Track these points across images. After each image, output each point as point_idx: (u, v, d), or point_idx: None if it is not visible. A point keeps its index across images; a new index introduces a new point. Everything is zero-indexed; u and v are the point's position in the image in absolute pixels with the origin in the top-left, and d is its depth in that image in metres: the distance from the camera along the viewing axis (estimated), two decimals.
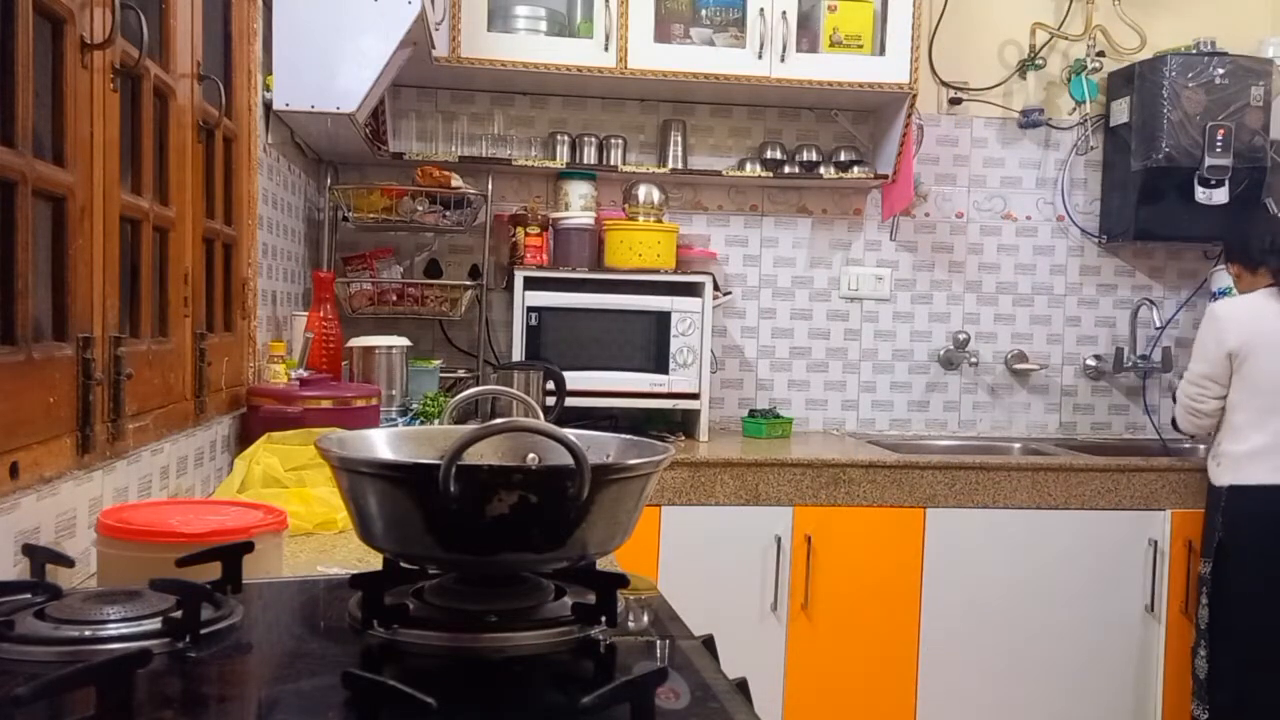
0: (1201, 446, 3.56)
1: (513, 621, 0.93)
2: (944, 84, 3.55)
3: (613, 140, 3.31)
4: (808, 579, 2.87)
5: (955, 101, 3.56)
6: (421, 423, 2.67)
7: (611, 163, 3.30)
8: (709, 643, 1.00)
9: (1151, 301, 3.57)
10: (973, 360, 3.58)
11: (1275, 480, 2.77)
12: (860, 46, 3.16)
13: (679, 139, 3.35)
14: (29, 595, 0.99)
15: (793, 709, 2.88)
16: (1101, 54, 3.51)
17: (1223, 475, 2.84)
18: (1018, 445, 3.46)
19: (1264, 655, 2.76)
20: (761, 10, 3.08)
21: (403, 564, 1.00)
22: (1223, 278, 3.48)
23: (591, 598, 0.96)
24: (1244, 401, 2.83)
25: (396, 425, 2.54)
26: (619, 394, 3.06)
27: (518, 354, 3.02)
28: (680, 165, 3.34)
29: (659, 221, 3.23)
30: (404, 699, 0.75)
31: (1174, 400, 3.10)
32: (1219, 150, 3.22)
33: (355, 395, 2.17)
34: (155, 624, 0.92)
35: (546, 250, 3.18)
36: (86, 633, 0.90)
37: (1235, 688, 2.79)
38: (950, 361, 3.59)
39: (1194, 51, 3.35)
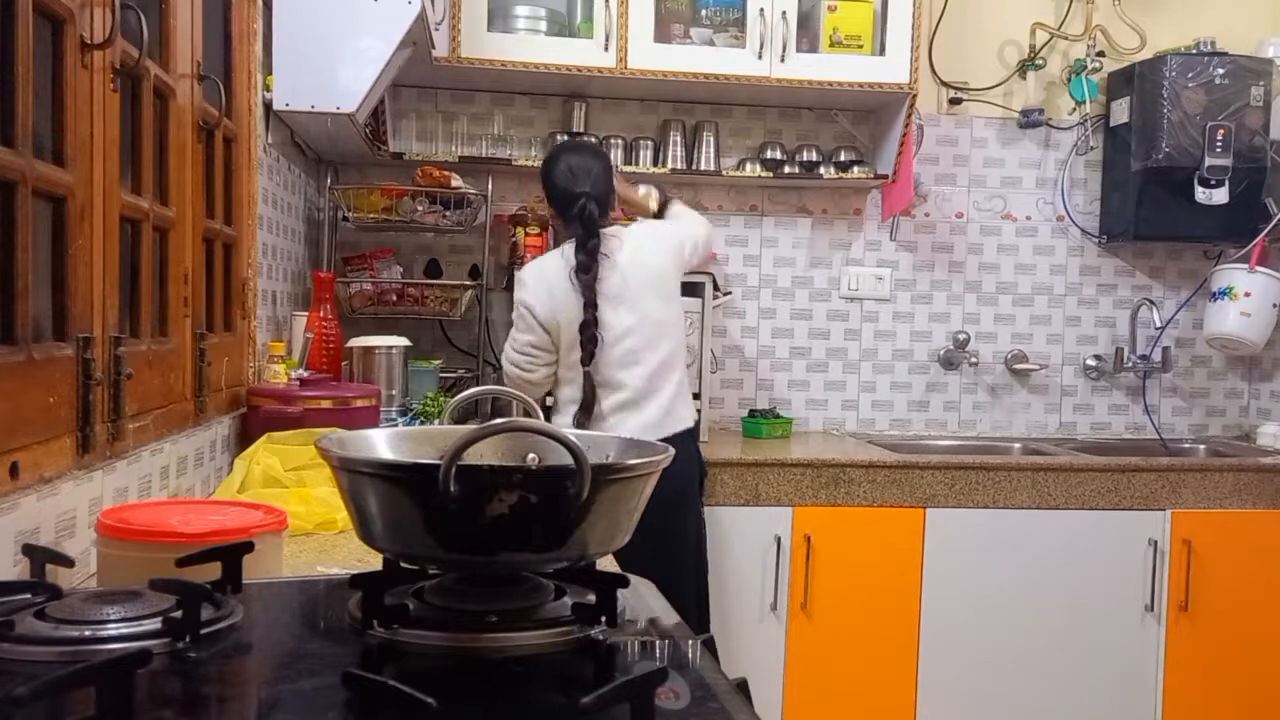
0: (1202, 446, 3.57)
1: (513, 621, 0.93)
2: (944, 84, 3.55)
3: (612, 140, 3.31)
4: (807, 579, 2.87)
5: (955, 101, 3.56)
6: (421, 423, 2.67)
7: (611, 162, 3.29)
8: (709, 643, 1.00)
9: (1151, 301, 3.57)
10: (973, 360, 3.58)
11: None
12: (860, 46, 3.16)
13: (679, 139, 3.34)
14: (29, 595, 0.99)
15: (793, 709, 2.88)
16: (1101, 54, 3.51)
17: None
18: (1018, 445, 3.46)
19: None
20: (761, 10, 3.08)
21: (403, 564, 1.00)
22: (1223, 277, 3.49)
23: (591, 598, 0.96)
24: (563, 375, 2.63)
25: (396, 425, 2.54)
26: None
27: None
28: (680, 165, 3.34)
29: None
30: (404, 699, 0.75)
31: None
32: (1219, 150, 3.22)
33: (355, 395, 2.17)
34: (155, 624, 0.92)
35: (546, 250, 3.17)
36: (86, 633, 0.90)
37: None
38: (950, 361, 3.59)
39: (1194, 51, 3.35)
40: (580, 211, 2.52)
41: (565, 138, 3.30)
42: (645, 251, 2.59)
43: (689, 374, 2.78)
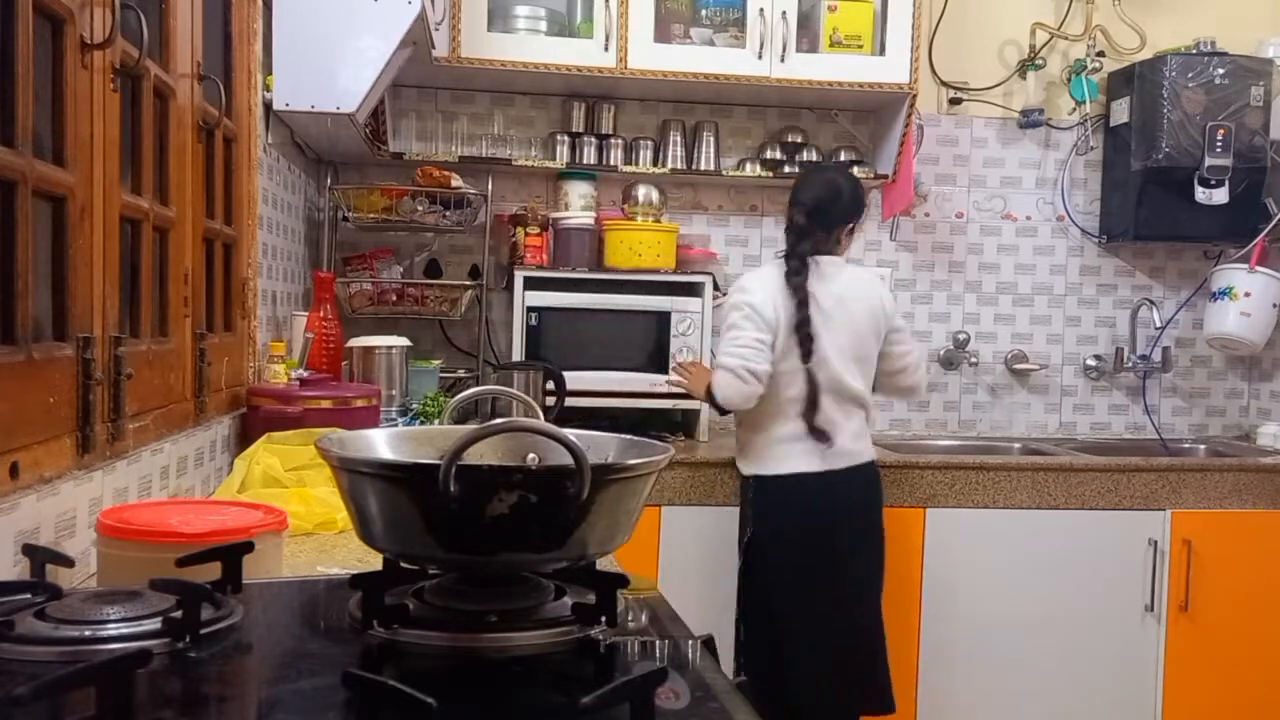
0: (1202, 446, 3.57)
1: (513, 621, 0.93)
2: (944, 84, 3.55)
3: (612, 140, 3.31)
4: None
5: (955, 101, 3.56)
6: (421, 423, 2.67)
7: (611, 163, 3.30)
8: (709, 643, 1.00)
9: (1151, 301, 3.57)
10: (973, 360, 3.58)
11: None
12: (860, 46, 3.16)
13: (679, 139, 3.35)
14: (29, 595, 0.99)
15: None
16: (1101, 54, 3.51)
17: (749, 465, 2.68)
18: (1018, 445, 3.46)
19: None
20: (761, 10, 3.08)
21: (403, 564, 1.00)
22: (1223, 277, 3.49)
23: (591, 598, 0.96)
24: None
25: (396, 425, 2.54)
26: (619, 394, 3.05)
27: (518, 354, 3.02)
28: (680, 165, 3.34)
29: (658, 221, 3.23)
30: (404, 699, 0.75)
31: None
32: (1219, 150, 3.22)
33: (355, 395, 2.17)
34: (155, 624, 0.92)
35: (546, 250, 3.18)
36: (86, 633, 0.90)
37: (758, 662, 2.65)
38: (950, 361, 3.59)
39: (1194, 51, 3.35)
40: (791, 220, 2.61)
41: (565, 138, 3.30)
42: (859, 290, 2.62)
43: None
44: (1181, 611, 3.00)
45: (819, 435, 2.54)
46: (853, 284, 2.62)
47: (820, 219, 2.59)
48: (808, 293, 2.53)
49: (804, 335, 2.51)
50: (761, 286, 2.57)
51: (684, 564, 2.79)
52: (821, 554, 2.55)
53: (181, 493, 1.71)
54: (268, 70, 2.28)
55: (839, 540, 2.56)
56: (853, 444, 2.58)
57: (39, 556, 1.08)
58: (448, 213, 3.09)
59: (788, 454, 2.56)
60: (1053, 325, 3.64)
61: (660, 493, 2.80)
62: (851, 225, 2.66)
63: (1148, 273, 3.67)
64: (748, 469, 2.64)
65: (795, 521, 2.57)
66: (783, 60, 3.09)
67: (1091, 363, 3.65)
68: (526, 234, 3.16)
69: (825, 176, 2.72)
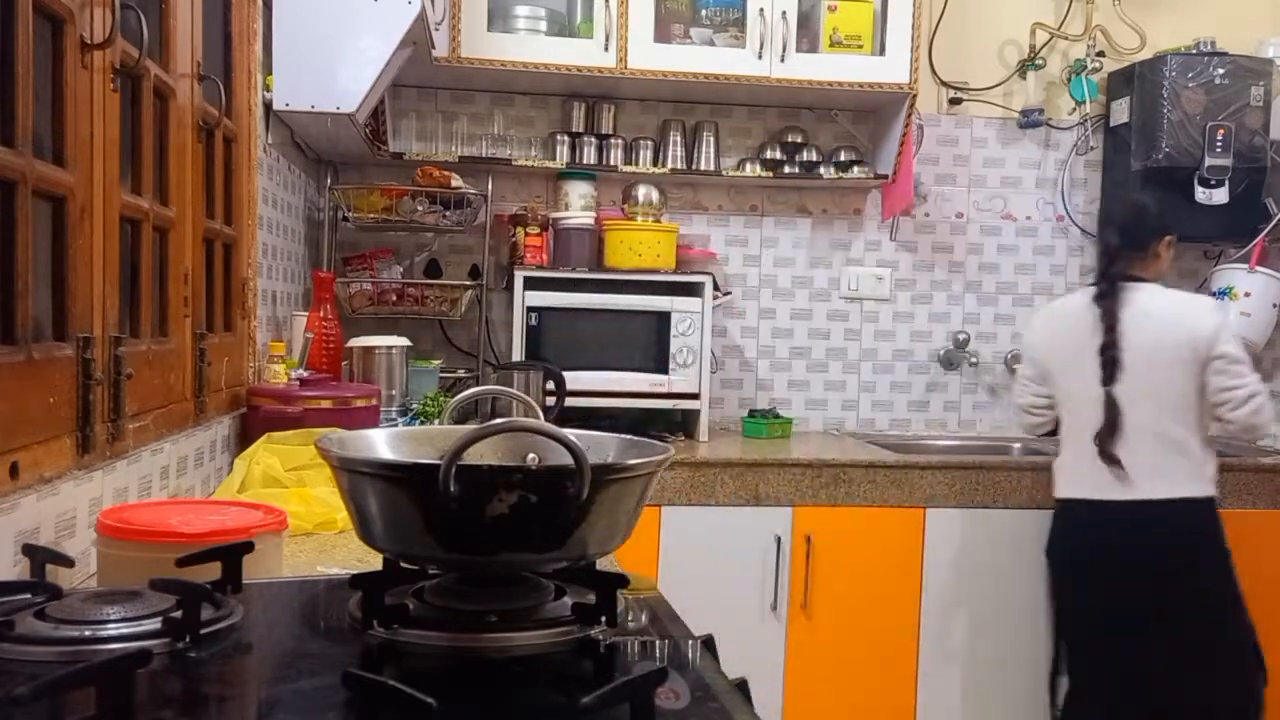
0: None
1: (513, 621, 0.93)
2: (944, 84, 3.55)
3: (612, 140, 3.31)
4: (807, 579, 2.87)
5: (955, 101, 3.56)
6: (421, 423, 2.67)
7: (611, 163, 3.30)
8: (709, 643, 1.00)
9: None
10: (973, 360, 3.58)
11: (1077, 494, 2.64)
12: (860, 46, 3.16)
13: (679, 139, 3.35)
14: (29, 595, 0.99)
15: (792, 709, 2.88)
16: (1101, 54, 3.51)
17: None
18: (1018, 445, 3.46)
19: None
20: (761, 10, 3.08)
21: (403, 564, 1.00)
22: (1223, 277, 3.48)
23: (591, 598, 0.96)
24: (1062, 416, 2.71)
25: (396, 425, 2.54)
26: (619, 394, 3.05)
27: (518, 354, 3.02)
28: (680, 165, 3.34)
29: (658, 221, 3.23)
30: (404, 699, 0.75)
31: None
32: (1219, 150, 3.22)
33: (355, 395, 2.17)
34: (155, 624, 0.92)
35: (546, 250, 3.18)
36: (86, 633, 0.90)
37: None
38: (950, 361, 3.59)
39: (1194, 51, 3.35)
40: (1103, 244, 2.67)
41: (565, 138, 3.30)
42: (1173, 316, 2.55)
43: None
44: None
45: (1110, 461, 2.51)
46: (1167, 309, 2.55)
47: (1131, 237, 2.61)
48: (1116, 317, 2.52)
49: (1106, 359, 2.51)
50: (1042, 320, 2.76)
51: (684, 564, 2.79)
52: (1080, 583, 2.60)
53: (181, 493, 1.71)
54: (268, 70, 2.28)
55: (1108, 572, 2.53)
56: (1148, 479, 2.49)
57: (39, 556, 1.08)
58: (448, 213, 3.09)
59: (1073, 477, 2.61)
60: None
61: (660, 493, 2.80)
62: (1168, 238, 2.66)
63: None
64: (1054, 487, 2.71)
65: (1064, 545, 2.64)
66: (783, 60, 3.09)
67: None
68: (526, 234, 3.16)
69: (1130, 197, 2.84)
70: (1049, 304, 2.92)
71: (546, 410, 2.67)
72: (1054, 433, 2.75)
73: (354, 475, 0.95)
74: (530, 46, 3.04)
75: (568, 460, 0.89)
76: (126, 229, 1.49)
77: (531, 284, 3.05)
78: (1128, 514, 2.51)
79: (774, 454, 2.93)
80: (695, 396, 3.09)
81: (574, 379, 2.88)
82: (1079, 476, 2.60)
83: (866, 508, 2.89)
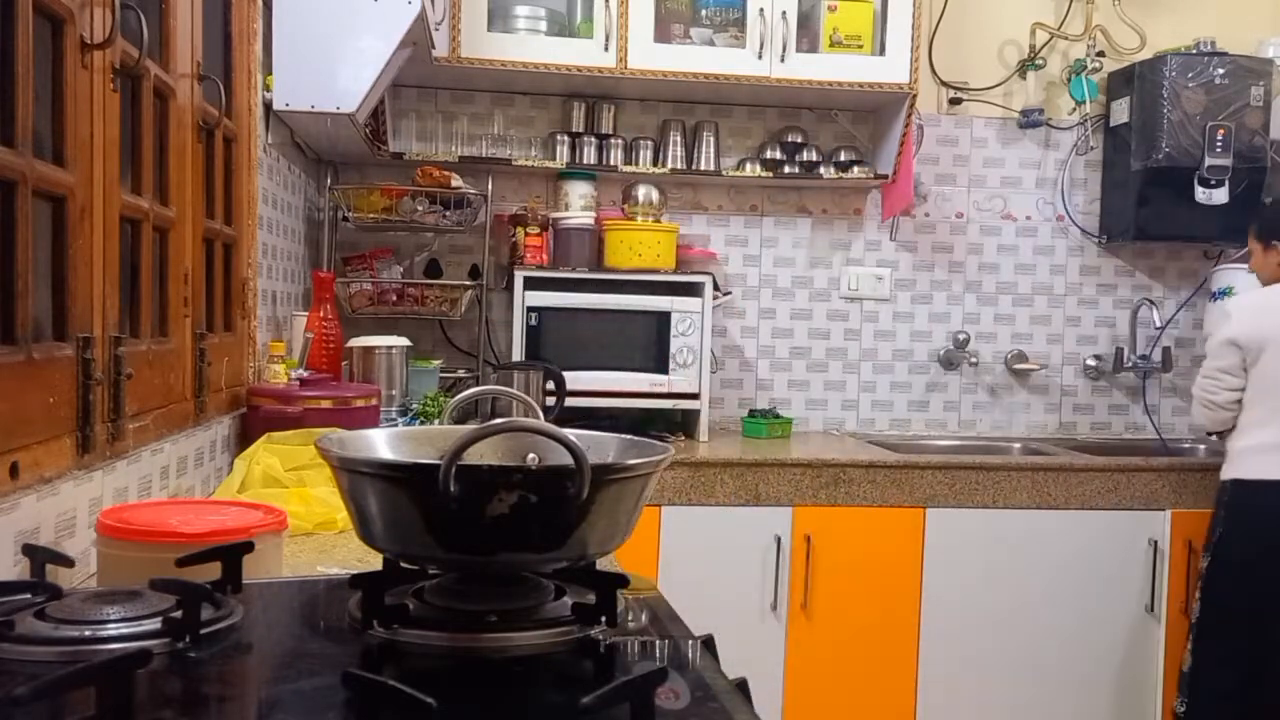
0: (1202, 446, 3.57)
1: (513, 621, 0.93)
2: (944, 84, 3.55)
3: (612, 140, 3.31)
4: (808, 579, 2.87)
5: (955, 101, 3.56)
6: (421, 423, 2.67)
7: (611, 163, 3.30)
8: (709, 643, 1.00)
9: (1151, 301, 3.57)
10: (973, 360, 3.58)
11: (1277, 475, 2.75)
12: (860, 46, 3.16)
13: (679, 139, 3.35)
14: (29, 595, 0.99)
15: (793, 709, 2.88)
16: (1101, 54, 3.51)
17: (1227, 470, 2.83)
18: (1018, 445, 3.46)
19: (1249, 652, 2.74)
20: (761, 10, 3.08)
21: (403, 564, 1.00)
22: (1223, 277, 3.48)
23: (591, 598, 0.96)
24: (1254, 399, 2.80)
25: (396, 425, 2.54)
26: (619, 394, 3.05)
27: (518, 354, 3.02)
28: (680, 165, 3.34)
29: (658, 221, 3.23)
30: (404, 699, 0.75)
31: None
32: (1219, 150, 3.22)
33: (355, 395, 2.16)
34: (155, 624, 0.92)
35: (546, 250, 3.18)
36: (86, 633, 0.90)
37: (1216, 684, 2.77)
38: (950, 361, 3.59)
39: (1194, 51, 3.35)
40: None
41: (565, 138, 3.30)
42: None
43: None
44: (1182, 612, 3.00)
45: None
46: None
47: None
48: None
49: None
50: (1249, 311, 2.87)
51: (684, 564, 2.79)
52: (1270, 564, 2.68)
53: (181, 493, 1.71)
54: (268, 70, 2.28)
55: None
56: None
57: (39, 556, 1.08)
58: (448, 213, 3.09)
59: (1260, 460, 2.72)
60: (1053, 325, 3.64)
61: (660, 493, 2.81)
62: None
63: (1148, 273, 3.67)
64: (1226, 473, 2.80)
65: (1252, 527, 2.73)
66: (783, 60, 3.09)
67: (1091, 363, 3.65)
68: (526, 234, 3.16)
69: None
70: (1243, 296, 3.06)
71: (546, 410, 2.67)
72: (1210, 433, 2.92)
73: (354, 475, 0.95)
74: (530, 46, 3.04)
75: (568, 460, 0.89)
76: (126, 229, 1.49)
77: (531, 284, 3.05)
78: None
79: (774, 454, 2.93)
80: (695, 396, 3.09)
81: (574, 379, 2.89)
82: (1267, 458, 2.73)
83: (866, 508, 2.89)
